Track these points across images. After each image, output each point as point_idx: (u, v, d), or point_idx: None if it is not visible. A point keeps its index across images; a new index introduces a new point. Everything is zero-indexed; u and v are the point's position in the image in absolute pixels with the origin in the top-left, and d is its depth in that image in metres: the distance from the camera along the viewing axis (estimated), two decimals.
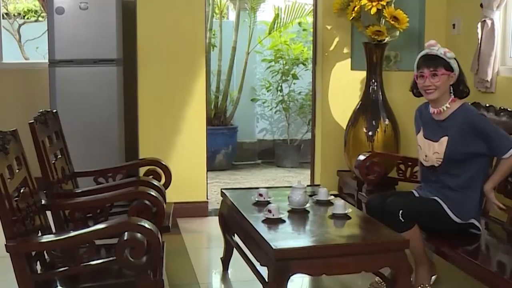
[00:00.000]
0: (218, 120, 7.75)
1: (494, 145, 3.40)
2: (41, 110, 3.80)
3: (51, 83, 5.22)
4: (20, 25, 7.73)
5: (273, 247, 2.87)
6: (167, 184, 4.17)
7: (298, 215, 3.46)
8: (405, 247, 3.00)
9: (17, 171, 3.06)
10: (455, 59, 3.53)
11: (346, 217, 3.39)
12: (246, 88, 8.06)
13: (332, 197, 3.74)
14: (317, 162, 5.55)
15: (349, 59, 5.37)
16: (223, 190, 4.01)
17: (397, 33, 4.94)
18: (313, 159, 5.62)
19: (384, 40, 4.93)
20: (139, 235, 2.75)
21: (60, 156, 3.89)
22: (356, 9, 4.87)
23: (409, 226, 3.36)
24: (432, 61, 3.49)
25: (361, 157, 4.56)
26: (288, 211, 3.48)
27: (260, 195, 3.71)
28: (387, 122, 4.99)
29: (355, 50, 5.30)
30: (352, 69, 5.38)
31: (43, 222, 3.20)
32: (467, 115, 3.49)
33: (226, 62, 7.70)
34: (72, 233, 2.92)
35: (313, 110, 5.62)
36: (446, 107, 3.52)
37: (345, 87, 5.37)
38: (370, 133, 4.97)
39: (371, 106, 5.02)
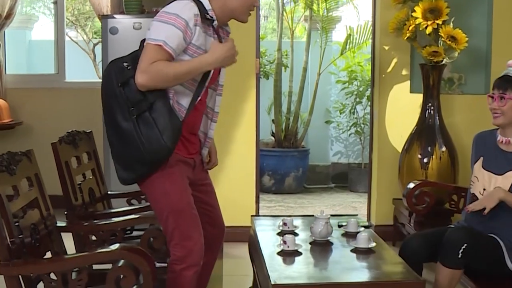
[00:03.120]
0: (288, 142, 7.57)
1: None
2: (69, 131, 3.79)
3: None
4: (94, 45, 7.92)
5: (272, 282, 2.68)
6: None
7: (320, 247, 3.25)
8: None
9: (27, 191, 3.05)
10: None
11: (369, 251, 3.14)
12: (320, 109, 7.86)
13: (362, 228, 3.49)
14: (373, 189, 5.28)
15: (408, 81, 5.08)
16: (252, 217, 3.85)
17: (456, 54, 4.61)
18: (370, 185, 5.34)
19: (441, 61, 4.62)
20: (131, 264, 2.66)
21: (91, 177, 3.87)
22: (411, 28, 4.59)
23: (462, 265, 3.01)
24: (504, 83, 3.16)
25: (411, 185, 4.30)
26: (310, 243, 3.28)
27: (285, 224, 3.52)
28: (443, 149, 4.65)
29: (414, 72, 5.00)
30: (411, 91, 5.08)
31: (55, 244, 3.16)
32: None
33: (298, 83, 7.53)
34: (63, 257, 2.87)
35: (370, 134, 5.36)
36: None
37: (403, 111, 5.07)
38: (425, 160, 4.66)
39: (427, 131, 4.70)
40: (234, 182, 5.14)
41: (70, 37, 7.91)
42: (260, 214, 6.02)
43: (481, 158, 3.30)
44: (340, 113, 7.78)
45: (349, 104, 7.70)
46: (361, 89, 7.56)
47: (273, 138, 7.66)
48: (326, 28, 7.23)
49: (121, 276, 2.63)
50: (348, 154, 8.12)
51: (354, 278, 2.80)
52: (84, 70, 7.72)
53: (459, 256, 2.96)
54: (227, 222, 4.94)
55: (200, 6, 2.71)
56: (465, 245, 2.97)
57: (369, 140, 5.42)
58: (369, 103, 7.44)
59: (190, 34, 2.66)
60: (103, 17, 5.30)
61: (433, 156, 4.63)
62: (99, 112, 5.36)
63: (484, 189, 3.20)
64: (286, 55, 7.68)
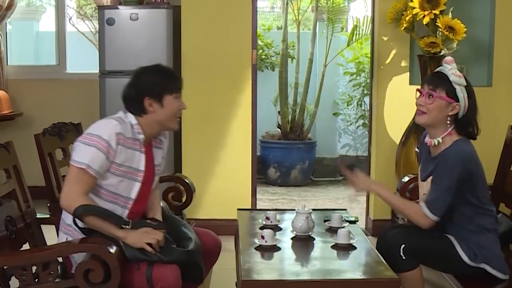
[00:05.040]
0: (294, 135, 7.49)
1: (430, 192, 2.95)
2: (55, 122, 3.77)
3: (101, 93, 5.24)
4: None
5: (242, 278, 2.63)
6: (188, 202, 4.03)
7: (300, 242, 3.17)
8: None
9: (4, 183, 3.03)
10: (466, 89, 2.97)
11: (349, 247, 3.06)
12: (327, 101, 7.78)
13: (347, 223, 3.41)
14: None
15: (408, 73, 4.98)
16: (238, 210, 3.80)
17: (454, 45, 4.49)
18: None
19: (439, 52, 4.51)
20: (100, 257, 2.63)
21: None
22: (408, 18, 4.48)
23: (411, 266, 2.90)
24: (436, 80, 2.97)
25: (405, 179, 4.18)
26: (292, 238, 3.21)
27: (267, 218, 3.45)
28: None
29: (414, 64, 4.90)
30: (410, 83, 4.98)
31: (34, 237, 3.14)
32: (450, 154, 2.94)
33: (305, 75, 7.45)
34: (32, 250, 2.85)
35: (369, 127, 5.27)
36: (438, 141, 2.98)
37: (402, 103, 4.95)
38: None
39: None
40: (230, 175, 5.09)
41: (77, 28, 7.89)
42: (260, 207, 5.97)
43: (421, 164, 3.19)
44: (347, 105, 7.68)
45: (357, 96, 7.61)
46: (368, 80, 7.44)
47: (279, 130, 7.59)
48: (332, 19, 7.13)
49: (89, 269, 2.61)
50: (356, 146, 8.02)
51: (327, 276, 2.71)
52: (91, 62, 7.69)
53: (403, 258, 2.87)
54: (223, 215, 4.96)
55: (125, 124, 2.81)
56: (403, 245, 2.88)
57: (368, 133, 5.33)
58: None
59: (113, 153, 2.74)
60: (100, 8, 5.28)
61: None
62: (98, 103, 5.40)
63: (424, 194, 3.09)
64: (293, 46, 7.60)
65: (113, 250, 2.62)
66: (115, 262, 2.59)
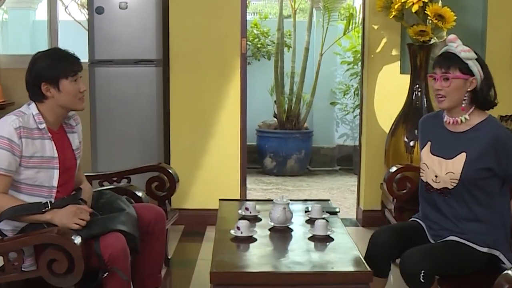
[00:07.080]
0: (291, 124, 7.45)
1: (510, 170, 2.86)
2: None
3: (90, 82, 5.17)
4: None
5: (211, 270, 2.59)
6: (171, 192, 4.01)
7: (278, 234, 3.13)
8: (368, 281, 2.60)
9: None
10: (477, 60, 2.88)
11: (327, 239, 3.01)
12: (325, 91, 7.72)
13: (327, 215, 3.37)
14: (362, 173, 5.14)
15: (398, 62, 4.92)
16: (220, 201, 3.76)
17: (444, 33, 4.42)
18: (359, 169, 5.20)
19: (429, 41, 4.44)
20: (63, 248, 2.60)
21: None
22: (397, 6, 4.42)
23: (429, 283, 2.78)
24: (446, 61, 2.88)
25: (393, 169, 4.14)
26: (270, 229, 3.17)
27: (247, 209, 3.41)
28: None
29: (405, 53, 4.82)
30: (401, 73, 4.91)
31: None
32: (494, 129, 2.89)
33: (301, 64, 7.39)
34: None
35: (360, 117, 5.21)
36: (465, 118, 2.91)
37: (392, 92, 4.91)
38: (410, 143, 4.50)
39: (413, 114, 4.52)
40: (219, 165, 5.05)
41: (73, 17, 7.86)
42: (253, 197, 5.97)
43: (429, 143, 3.06)
44: (344, 95, 7.62)
45: (354, 85, 7.54)
46: None
47: (275, 119, 7.54)
48: (328, 8, 7.06)
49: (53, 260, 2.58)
50: (354, 136, 7.96)
51: (298, 268, 2.66)
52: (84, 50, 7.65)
53: (422, 282, 2.75)
54: (212, 205, 4.90)
55: (26, 116, 2.77)
56: (423, 271, 2.73)
57: (359, 122, 5.27)
58: None
59: (17, 148, 2.72)
60: None
61: None
62: (90, 92, 5.36)
63: (436, 176, 2.96)
64: (290, 35, 7.54)
65: (77, 241, 2.59)
66: (78, 253, 2.57)
